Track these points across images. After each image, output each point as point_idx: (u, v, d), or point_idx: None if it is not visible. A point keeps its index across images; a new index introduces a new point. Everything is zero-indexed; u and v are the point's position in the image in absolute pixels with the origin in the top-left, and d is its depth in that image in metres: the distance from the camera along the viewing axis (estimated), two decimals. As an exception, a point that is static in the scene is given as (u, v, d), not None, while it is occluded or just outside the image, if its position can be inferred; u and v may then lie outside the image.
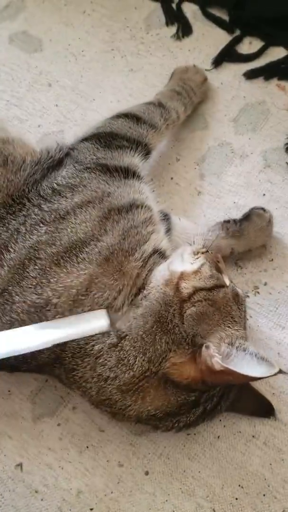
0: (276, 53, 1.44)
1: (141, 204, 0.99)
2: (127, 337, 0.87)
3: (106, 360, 0.87)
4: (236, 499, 0.99)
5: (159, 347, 0.86)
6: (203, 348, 0.85)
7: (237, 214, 1.19)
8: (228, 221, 1.15)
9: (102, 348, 0.87)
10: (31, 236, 0.92)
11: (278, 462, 1.01)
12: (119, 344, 0.87)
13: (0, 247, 0.93)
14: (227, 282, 0.93)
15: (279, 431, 1.03)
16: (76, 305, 0.88)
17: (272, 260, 1.19)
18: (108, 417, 1.01)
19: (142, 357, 0.86)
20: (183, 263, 0.93)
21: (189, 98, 1.28)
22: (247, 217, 1.16)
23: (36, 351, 0.88)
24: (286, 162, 1.29)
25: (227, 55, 1.45)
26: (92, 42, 1.51)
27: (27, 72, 1.48)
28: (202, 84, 1.34)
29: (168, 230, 1.11)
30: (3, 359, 0.88)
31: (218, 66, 1.44)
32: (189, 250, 0.96)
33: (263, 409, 1.03)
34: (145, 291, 0.91)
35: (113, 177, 1.00)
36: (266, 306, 1.14)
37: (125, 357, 0.87)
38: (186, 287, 0.89)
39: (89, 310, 0.88)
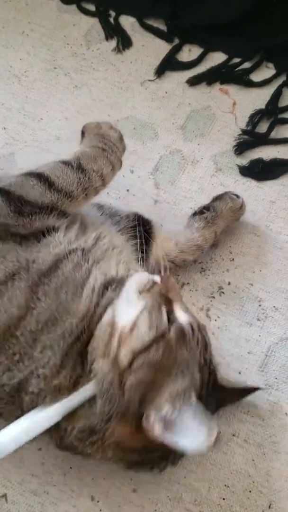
0: (216, 58, 1.48)
1: (65, 254, 0.92)
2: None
3: None
4: (224, 499, 1.00)
5: (100, 419, 0.83)
6: (143, 419, 0.79)
7: (195, 219, 1.21)
8: (201, 212, 1.18)
9: None
10: None
11: (260, 457, 1.03)
12: None
13: None
14: (179, 314, 0.87)
15: (258, 427, 1.05)
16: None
17: (232, 259, 1.21)
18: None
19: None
20: (128, 309, 0.86)
21: (115, 154, 1.08)
22: (219, 197, 1.20)
23: None
24: (237, 164, 1.32)
25: (168, 64, 1.48)
26: (34, 62, 1.51)
27: None
28: (121, 139, 1.14)
29: (149, 240, 1.12)
30: None
31: (161, 75, 1.46)
32: (134, 287, 0.89)
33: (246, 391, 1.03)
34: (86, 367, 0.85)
35: (29, 245, 0.92)
36: (232, 305, 1.17)
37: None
38: (125, 354, 0.81)
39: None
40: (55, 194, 0.96)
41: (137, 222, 1.14)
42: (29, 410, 0.85)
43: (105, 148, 1.06)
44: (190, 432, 0.77)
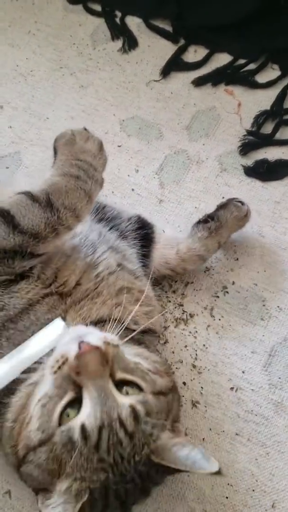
0: (221, 59, 1.49)
1: (39, 298, 0.87)
2: None
3: None
4: (227, 497, 1.01)
5: None
6: (37, 498, 0.81)
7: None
8: (205, 221, 1.14)
9: None
10: None
11: (264, 457, 1.04)
12: None
13: None
14: (83, 407, 0.74)
15: (262, 426, 1.06)
16: None
17: (237, 259, 1.22)
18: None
19: None
20: (40, 386, 0.80)
21: (92, 179, 0.92)
22: (223, 205, 1.17)
23: None
24: (241, 165, 1.32)
25: (174, 65, 1.48)
26: (40, 61, 1.52)
27: (-23, 96, 1.47)
28: (100, 150, 0.98)
29: (151, 244, 1.11)
30: None
31: (167, 76, 1.47)
32: (51, 361, 0.78)
33: None
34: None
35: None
36: (236, 304, 1.17)
37: None
38: (21, 448, 0.80)
39: None
40: (20, 237, 0.85)
41: (139, 225, 1.12)
42: None
43: (79, 175, 0.91)
44: None
